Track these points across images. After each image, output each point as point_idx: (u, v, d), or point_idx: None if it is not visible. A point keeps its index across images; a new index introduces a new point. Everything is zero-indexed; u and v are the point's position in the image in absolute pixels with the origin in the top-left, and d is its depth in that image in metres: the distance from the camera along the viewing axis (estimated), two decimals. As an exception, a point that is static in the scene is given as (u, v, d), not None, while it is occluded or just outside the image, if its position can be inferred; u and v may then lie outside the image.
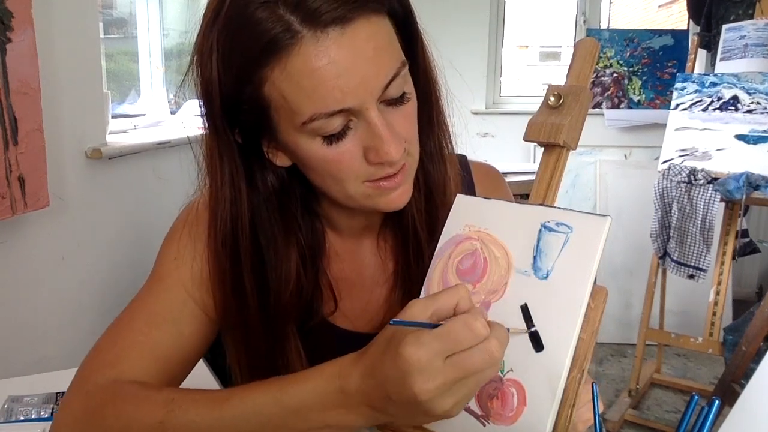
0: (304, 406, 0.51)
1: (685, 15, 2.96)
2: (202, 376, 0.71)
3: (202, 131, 0.64)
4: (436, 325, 0.46)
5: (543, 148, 0.58)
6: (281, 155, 0.63)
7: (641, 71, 3.19)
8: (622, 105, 3.20)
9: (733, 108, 2.16)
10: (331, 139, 0.57)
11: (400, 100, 0.58)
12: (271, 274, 0.65)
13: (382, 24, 0.56)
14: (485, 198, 0.57)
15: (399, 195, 0.62)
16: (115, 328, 0.67)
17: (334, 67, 0.53)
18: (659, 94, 3.17)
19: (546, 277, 0.51)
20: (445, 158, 0.70)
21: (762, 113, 2.10)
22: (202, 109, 0.61)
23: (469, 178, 0.78)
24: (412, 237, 0.69)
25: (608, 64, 3.20)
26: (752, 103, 2.13)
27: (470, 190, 0.77)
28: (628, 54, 3.19)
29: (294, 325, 0.68)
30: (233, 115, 0.59)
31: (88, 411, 0.59)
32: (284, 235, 0.66)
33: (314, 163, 0.59)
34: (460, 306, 0.49)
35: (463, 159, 0.79)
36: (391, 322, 0.47)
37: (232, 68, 0.56)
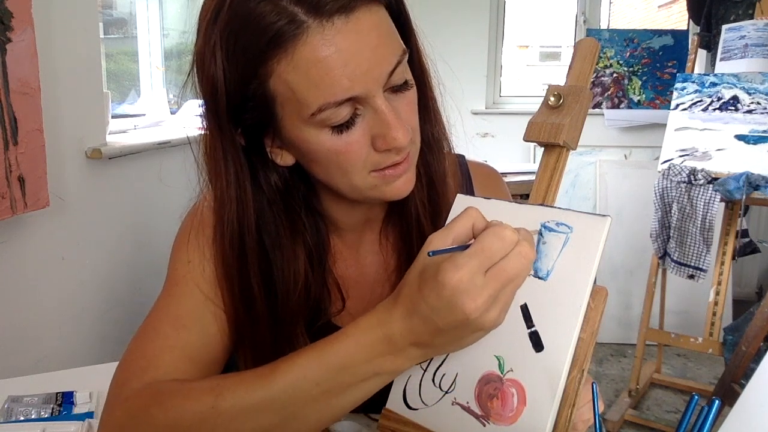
0: (350, 362, 0.52)
1: (685, 15, 2.96)
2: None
3: (202, 132, 0.64)
4: (467, 246, 0.48)
5: (543, 148, 0.58)
6: (285, 154, 0.63)
7: (641, 71, 3.19)
8: (622, 105, 3.20)
9: (733, 108, 2.16)
10: (340, 128, 0.57)
11: (403, 86, 0.59)
12: (279, 275, 0.65)
13: (382, 13, 0.57)
14: (485, 198, 0.57)
15: (404, 183, 0.62)
16: (141, 337, 0.66)
17: (340, 55, 0.53)
18: (659, 94, 3.17)
19: (546, 277, 0.51)
20: (442, 146, 0.70)
21: (762, 113, 2.10)
22: (205, 109, 0.61)
23: (468, 177, 0.78)
24: (415, 228, 0.70)
25: (608, 64, 3.20)
26: (752, 103, 2.13)
27: (468, 190, 0.78)
28: (628, 54, 3.19)
29: (303, 326, 0.68)
30: (237, 113, 0.59)
31: (131, 415, 0.59)
32: (291, 235, 0.66)
33: (321, 155, 0.59)
34: (476, 226, 0.51)
35: (461, 159, 0.79)
36: (429, 253, 0.48)
37: (238, 64, 0.56)
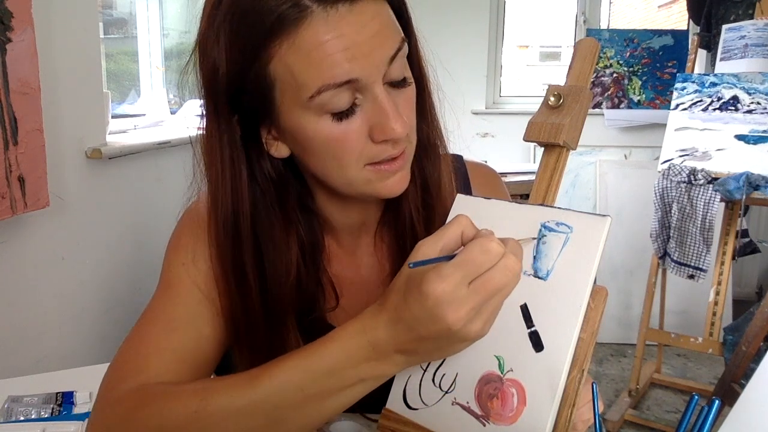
0: (335, 367, 0.52)
1: (685, 15, 2.96)
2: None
3: (201, 123, 0.64)
4: (452, 256, 0.48)
5: (543, 148, 0.58)
6: (280, 145, 0.63)
7: (641, 71, 3.19)
8: (622, 105, 3.19)
9: (733, 108, 2.16)
10: (340, 116, 0.57)
11: (402, 83, 0.60)
12: (270, 265, 0.65)
13: (386, 7, 0.58)
14: (485, 198, 0.57)
15: (398, 180, 0.62)
16: (133, 339, 0.66)
17: (342, 40, 0.54)
18: (659, 94, 3.17)
19: (546, 277, 0.51)
20: (437, 151, 0.70)
21: (762, 113, 2.10)
22: (204, 93, 0.61)
23: (465, 177, 0.78)
24: (409, 233, 0.70)
25: (608, 64, 3.20)
26: (752, 103, 2.13)
27: (466, 190, 0.77)
28: (628, 54, 3.19)
29: (294, 317, 0.68)
30: (236, 97, 0.59)
31: (120, 417, 0.59)
32: (284, 226, 0.66)
33: (318, 144, 0.59)
34: (466, 234, 0.51)
35: (458, 159, 0.79)
36: (410, 265, 0.48)
37: (240, 48, 0.56)
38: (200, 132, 0.64)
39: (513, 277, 0.48)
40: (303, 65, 0.55)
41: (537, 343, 0.50)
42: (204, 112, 0.63)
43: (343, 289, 0.73)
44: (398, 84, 0.59)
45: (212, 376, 0.86)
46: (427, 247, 0.50)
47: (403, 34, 0.59)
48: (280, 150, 0.63)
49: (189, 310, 0.67)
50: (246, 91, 0.58)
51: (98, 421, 0.61)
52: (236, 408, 0.54)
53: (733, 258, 2.21)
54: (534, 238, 0.52)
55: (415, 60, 0.64)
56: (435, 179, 0.69)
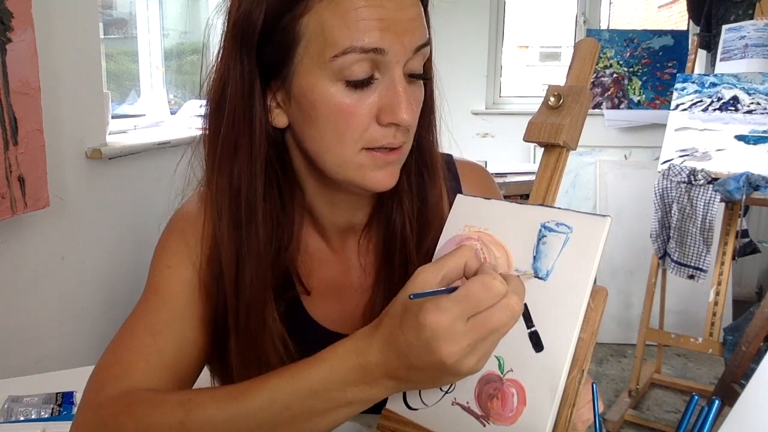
0: (323, 387, 0.51)
1: (685, 15, 2.96)
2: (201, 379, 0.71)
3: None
4: (453, 289, 0.47)
5: (543, 149, 0.58)
6: (281, 114, 0.63)
7: (641, 71, 3.19)
8: (622, 105, 3.20)
9: (733, 108, 2.16)
10: (355, 85, 0.58)
11: (418, 77, 0.61)
12: (279, 224, 0.66)
13: (420, 3, 0.60)
14: (485, 198, 0.57)
15: (388, 174, 0.62)
16: (116, 344, 0.66)
17: (381, 11, 0.56)
18: (659, 95, 3.17)
19: (546, 277, 0.51)
20: (438, 170, 0.71)
21: (762, 113, 2.10)
22: (229, 40, 0.61)
23: (456, 177, 0.78)
24: (399, 244, 0.69)
25: (608, 65, 3.20)
26: (752, 103, 2.13)
27: (456, 189, 0.77)
28: (628, 54, 3.19)
29: (272, 292, 0.67)
30: (261, 46, 0.60)
31: (103, 423, 0.59)
32: (290, 190, 0.67)
33: (324, 112, 0.59)
34: (469, 266, 0.50)
35: (448, 158, 0.79)
36: (411, 296, 0.47)
37: None
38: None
39: (513, 317, 0.47)
40: (336, 23, 0.56)
41: (537, 344, 0.50)
42: (223, 51, 0.62)
43: (328, 292, 0.73)
44: (416, 77, 0.61)
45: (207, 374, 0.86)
46: (428, 275, 0.49)
47: (428, 34, 0.61)
48: (279, 119, 0.64)
49: (174, 314, 0.67)
50: (271, 41, 0.59)
51: (81, 425, 0.60)
52: (219, 422, 0.53)
53: (733, 258, 2.22)
54: (533, 275, 0.51)
55: (426, 66, 0.65)
56: (435, 196, 0.70)
